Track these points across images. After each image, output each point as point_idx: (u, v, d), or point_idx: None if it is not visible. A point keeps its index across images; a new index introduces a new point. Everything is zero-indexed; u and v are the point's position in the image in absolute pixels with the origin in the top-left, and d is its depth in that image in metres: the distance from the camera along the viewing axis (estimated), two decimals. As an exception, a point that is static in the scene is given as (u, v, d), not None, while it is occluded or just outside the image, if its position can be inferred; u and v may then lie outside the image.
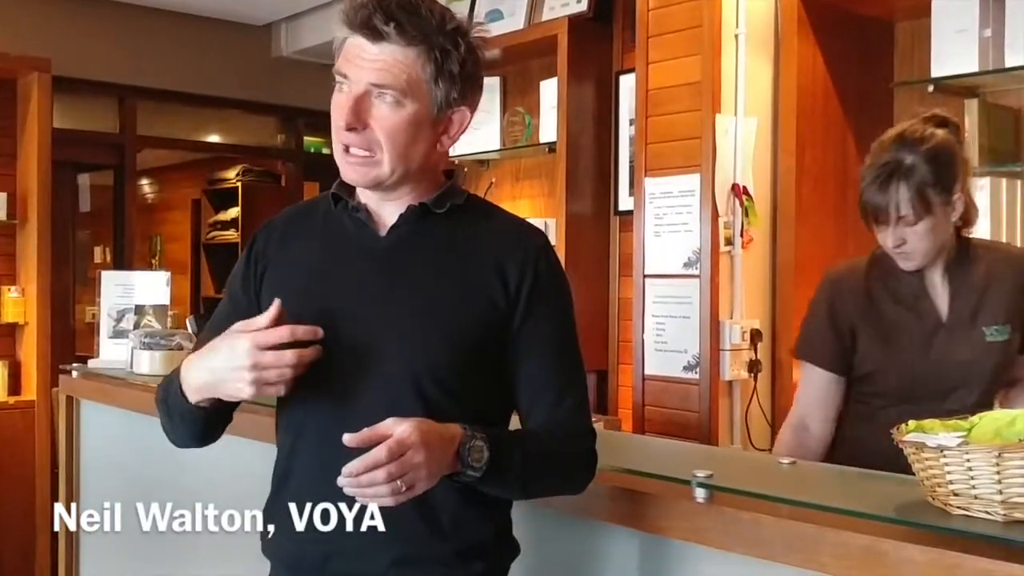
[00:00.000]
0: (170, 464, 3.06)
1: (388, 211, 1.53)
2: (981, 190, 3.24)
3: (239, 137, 6.85)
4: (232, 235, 7.56)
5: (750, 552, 1.53)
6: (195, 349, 1.64)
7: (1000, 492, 1.35)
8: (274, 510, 1.55)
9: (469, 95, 1.50)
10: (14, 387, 4.89)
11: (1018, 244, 3.23)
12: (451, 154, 4.27)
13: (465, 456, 1.36)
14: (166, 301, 3.58)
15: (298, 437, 1.53)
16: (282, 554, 1.55)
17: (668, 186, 3.39)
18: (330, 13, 5.84)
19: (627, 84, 3.89)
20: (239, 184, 7.44)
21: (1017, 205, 3.25)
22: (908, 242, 2.14)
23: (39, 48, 4.97)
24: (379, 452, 1.28)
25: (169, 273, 3.72)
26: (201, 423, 1.52)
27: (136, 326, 3.48)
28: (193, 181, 8.05)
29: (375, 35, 1.42)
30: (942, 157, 2.11)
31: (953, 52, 3.19)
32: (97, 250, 7.15)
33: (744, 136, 3.35)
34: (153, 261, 7.98)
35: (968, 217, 2.23)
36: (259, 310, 1.52)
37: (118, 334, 3.59)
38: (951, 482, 1.39)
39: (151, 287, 3.65)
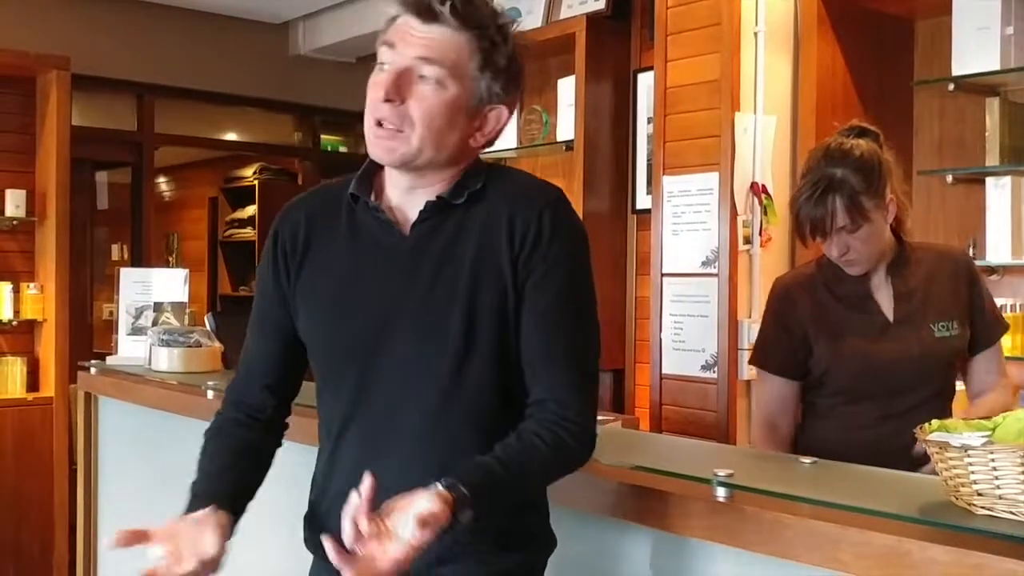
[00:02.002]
0: (188, 460, 3.07)
1: (412, 207, 1.51)
2: (1001, 189, 3.22)
3: (256, 135, 6.87)
4: (249, 233, 7.57)
5: (771, 551, 1.52)
6: (244, 350, 1.66)
7: (1025, 492, 1.34)
8: (316, 511, 1.59)
9: (510, 94, 1.49)
10: (33, 383, 4.92)
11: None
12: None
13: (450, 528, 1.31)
14: (184, 298, 3.59)
15: (338, 445, 1.54)
16: (324, 552, 1.56)
17: (686, 184, 3.38)
18: (348, 11, 5.85)
19: (645, 82, 3.88)
20: (256, 182, 7.46)
21: (1039, 204, 3.23)
22: (852, 249, 2.22)
23: (58, 46, 5.00)
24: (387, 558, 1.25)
25: (187, 271, 3.72)
26: None
27: (154, 323, 3.49)
28: (210, 179, 8.07)
29: (428, 15, 1.42)
30: (868, 165, 2.20)
31: (974, 50, 3.17)
32: (115, 248, 7.18)
33: (763, 134, 3.33)
34: (170, 259, 8.01)
35: (902, 217, 2.32)
36: (293, 316, 1.56)
37: (136, 331, 3.60)
38: (975, 482, 1.38)
39: (169, 284, 3.66)
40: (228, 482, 1.54)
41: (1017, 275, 3.34)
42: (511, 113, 1.52)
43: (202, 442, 1.63)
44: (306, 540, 1.60)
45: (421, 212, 1.49)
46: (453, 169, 1.50)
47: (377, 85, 1.44)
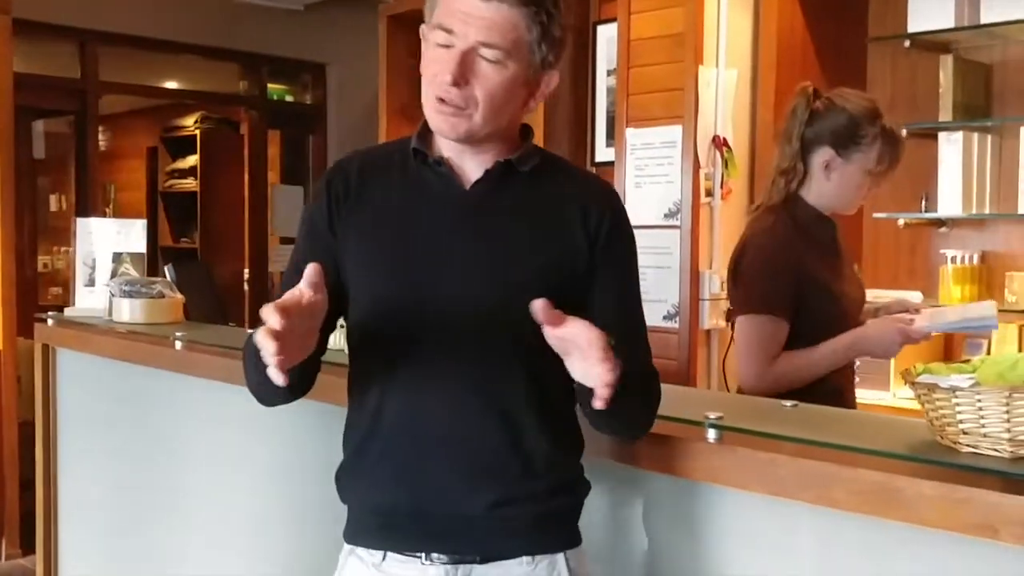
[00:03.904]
0: (150, 410, 3.06)
1: (470, 166, 1.55)
2: (953, 144, 3.33)
3: (200, 83, 6.73)
4: (191, 183, 7.46)
5: (764, 490, 1.57)
6: (282, 290, 1.60)
7: (1008, 431, 1.41)
8: (359, 468, 1.56)
9: (560, 58, 1.53)
10: (-22, 336, 4.82)
11: (987, 198, 3.33)
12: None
13: None
14: (143, 249, 3.54)
15: (383, 395, 1.53)
16: (371, 503, 1.55)
17: (649, 137, 3.43)
18: (295, -42, 5.74)
19: (605, 34, 3.90)
20: (198, 131, 7.33)
21: (988, 159, 3.34)
22: None
23: (-3, -11, 4.83)
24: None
25: (144, 221, 3.67)
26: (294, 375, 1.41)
27: (113, 274, 3.44)
28: (148, 128, 7.91)
29: None
30: None
31: (929, 8, 3.26)
32: (53, 198, 7.02)
33: (725, 88, 3.39)
34: (107, 210, 7.85)
35: None
36: (339, 265, 1.55)
37: (93, 282, 3.55)
38: (961, 421, 1.45)
39: (125, 235, 3.60)
40: None
41: (966, 228, 3.46)
42: (558, 75, 1.56)
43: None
44: (342, 496, 1.59)
45: (487, 171, 1.54)
46: (508, 134, 1.56)
47: (439, 65, 1.45)
